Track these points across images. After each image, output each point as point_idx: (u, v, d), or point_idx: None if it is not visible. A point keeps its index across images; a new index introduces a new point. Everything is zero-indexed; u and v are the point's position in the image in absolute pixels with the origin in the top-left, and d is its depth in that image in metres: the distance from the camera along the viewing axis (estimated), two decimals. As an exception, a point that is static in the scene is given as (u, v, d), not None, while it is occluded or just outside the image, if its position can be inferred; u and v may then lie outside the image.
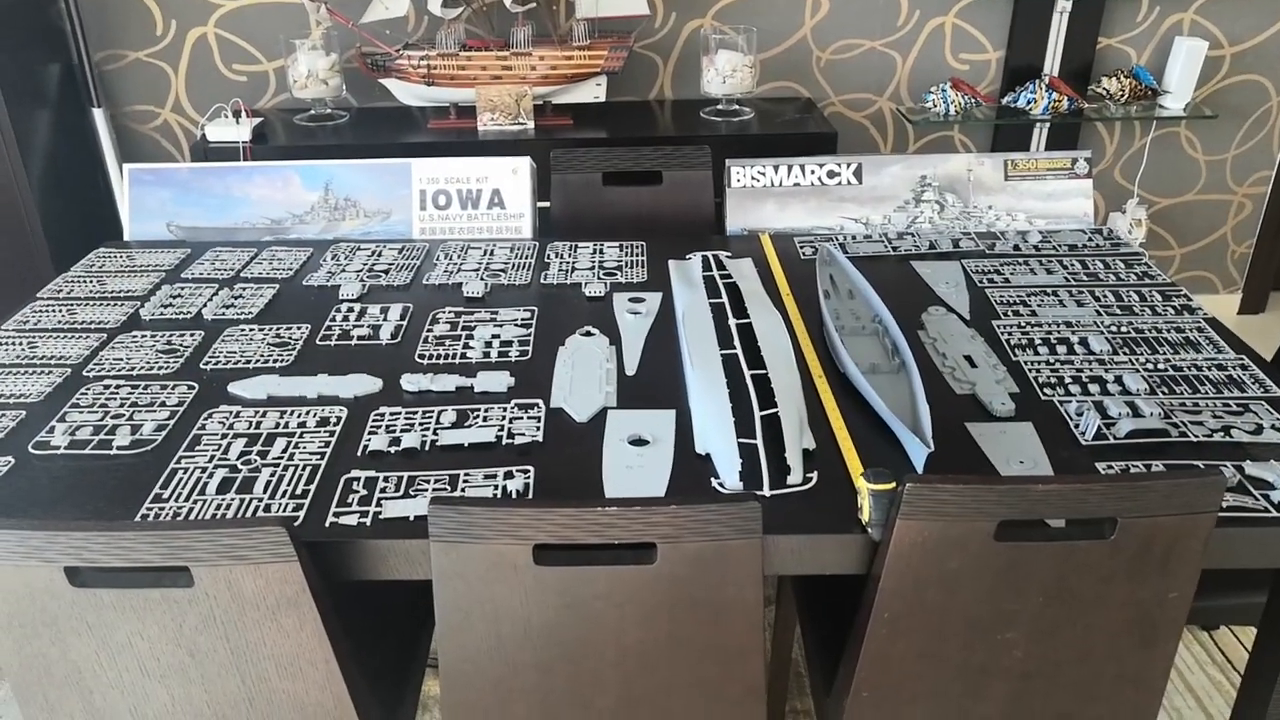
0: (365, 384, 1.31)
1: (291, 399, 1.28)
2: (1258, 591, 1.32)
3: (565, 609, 0.98)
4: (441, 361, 1.38)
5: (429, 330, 1.47)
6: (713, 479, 1.11)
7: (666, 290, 1.58)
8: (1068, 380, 1.28)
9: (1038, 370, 1.31)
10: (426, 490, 1.10)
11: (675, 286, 1.57)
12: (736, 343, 1.35)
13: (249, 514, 1.06)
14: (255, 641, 0.98)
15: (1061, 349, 1.36)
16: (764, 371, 1.27)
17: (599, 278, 1.63)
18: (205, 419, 1.24)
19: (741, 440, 1.14)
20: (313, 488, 1.10)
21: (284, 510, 1.07)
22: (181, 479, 1.12)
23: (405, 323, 1.49)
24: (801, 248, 1.75)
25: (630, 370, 1.34)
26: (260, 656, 0.99)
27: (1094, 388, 1.27)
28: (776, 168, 1.86)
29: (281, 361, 1.38)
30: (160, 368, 1.37)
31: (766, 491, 1.08)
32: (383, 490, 1.10)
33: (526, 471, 1.13)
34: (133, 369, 1.36)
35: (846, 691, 1.09)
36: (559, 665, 1.02)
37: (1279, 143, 2.87)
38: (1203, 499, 0.94)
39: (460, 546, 0.94)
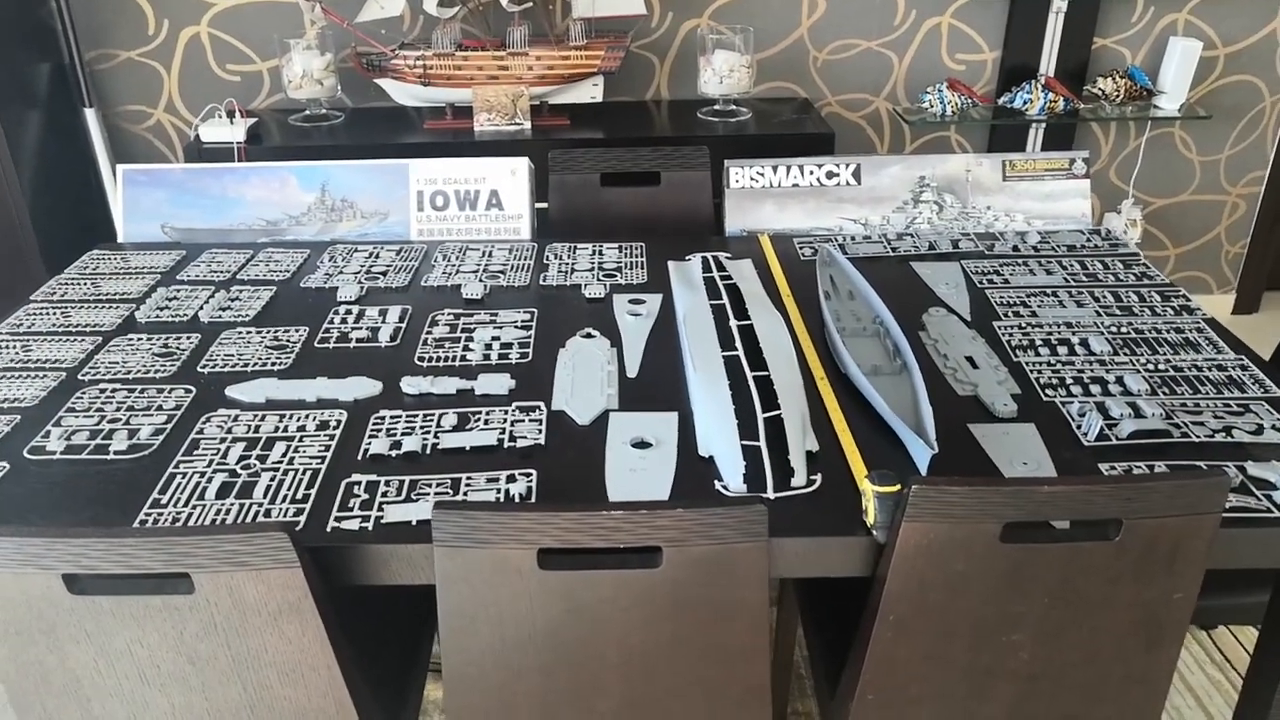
0: (365, 387, 1.31)
1: (290, 402, 1.27)
2: (1256, 591, 1.32)
3: (569, 613, 0.97)
4: (441, 364, 1.37)
5: (428, 332, 1.46)
6: (716, 481, 1.10)
7: (666, 292, 1.58)
8: (1069, 381, 1.28)
9: (1039, 371, 1.31)
10: (428, 494, 1.09)
11: (675, 288, 1.56)
12: (738, 344, 1.34)
13: (249, 519, 1.05)
14: (256, 648, 0.97)
15: (1062, 350, 1.36)
16: (766, 373, 1.27)
17: (598, 279, 1.63)
18: (203, 423, 1.23)
19: (745, 442, 1.14)
20: (313, 492, 1.09)
21: (284, 515, 1.06)
22: (180, 484, 1.11)
23: (404, 325, 1.48)
24: (801, 249, 1.74)
25: (631, 372, 1.34)
26: (262, 663, 0.98)
27: (1095, 388, 1.26)
28: (775, 168, 1.86)
29: (280, 364, 1.37)
30: (157, 371, 1.36)
31: (770, 494, 1.08)
32: (384, 494, 1.09)
33: (529, 475, 1.12)
34: (129, 372, 1.35)
35: (851, 694, 1.09)
36: (562, 669, 1.02)
37: (1272, 143, 2.88)
38: (1207, 500, 0.94)
39: (464, 551, 0.94)
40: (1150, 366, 1.31)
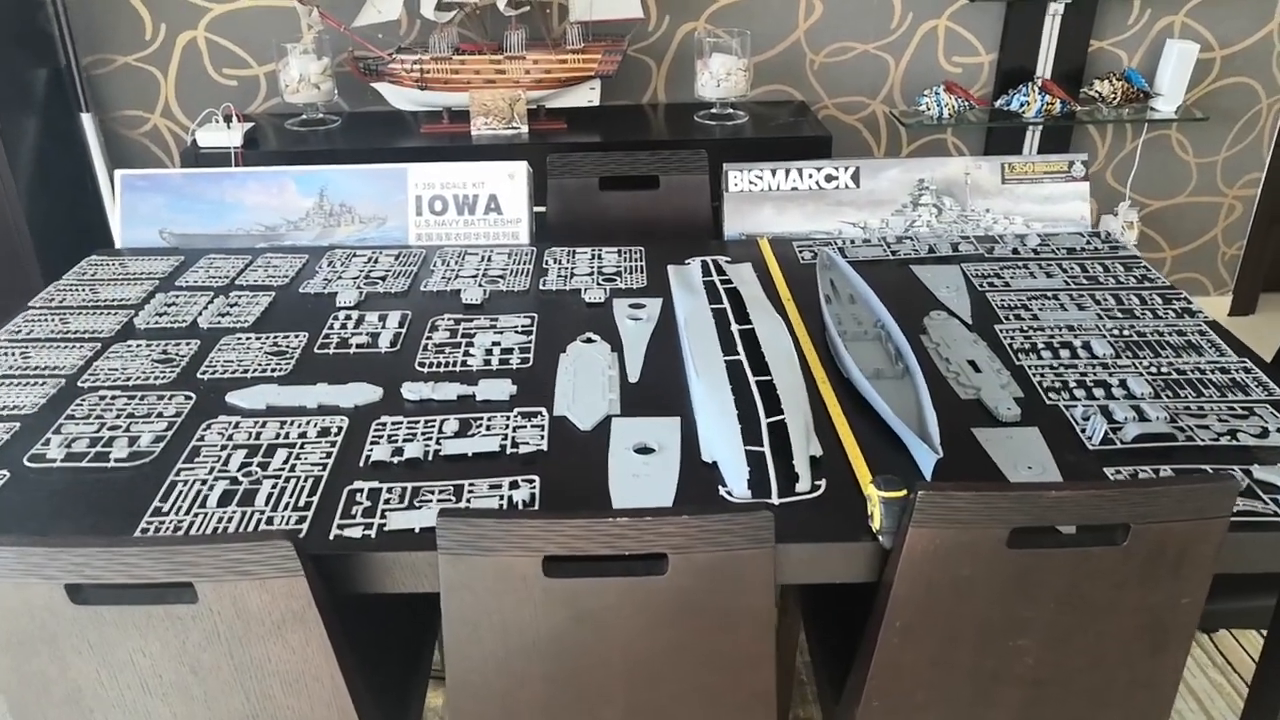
0: (366, 393, 1.30)
1: (291, 409, 1.27)
2: (1258, 595, 1.32)
3: (574, 621, 0.97)
4: (442, 370, 1.36)
5: (428, 338, 1.45)
6: (720, 487, 1.10)
7: (666, 296, 1.57)
8: (1072, 384, 1.28)
9: (1042, 375, 1.31)
10: (431, 501, 1.08)
11: (675, 292, 1.56)
12: (740, 349, 1.34)
13: (251, 527, 1.04)
14: (260, 658, 0.97)
15: (1065, 353, 1.36)
16: (768, 378, 1.26)
17: (598, 283, 1.62)
18: (204, 430, 1.22)
19: (748, 448, 1.13)
20: (315, 499, 1.09)
21: (287, 523, 1.05)
22: (182, 491, 1.10)
23: (404, 330, 1.48)
24: (800, 252, 1.74)
25: (633, 377, 1.33)
26: (265, 673, 0.97)
27: (1098, 392, 1.26)
28: (774, 172, 1.86)
29: (280, 370, 1.36)
30: (156, 378, 1.35)
31: (775, 500, 1.07)
32: (387, 501, 1.08)
33: (532, 481, 1.11)
34: (128, 379, 1.34)
35: (857, 700, 1.09)
36: (567, 677, 1.01)
37: (1269, 145, 2.89)
38: (1216, 504, 0.94)
39: (469, 559, 0.93)
40: (1153, 370, 1.31)
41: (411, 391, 1.29)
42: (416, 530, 1.03)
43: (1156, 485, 0.94)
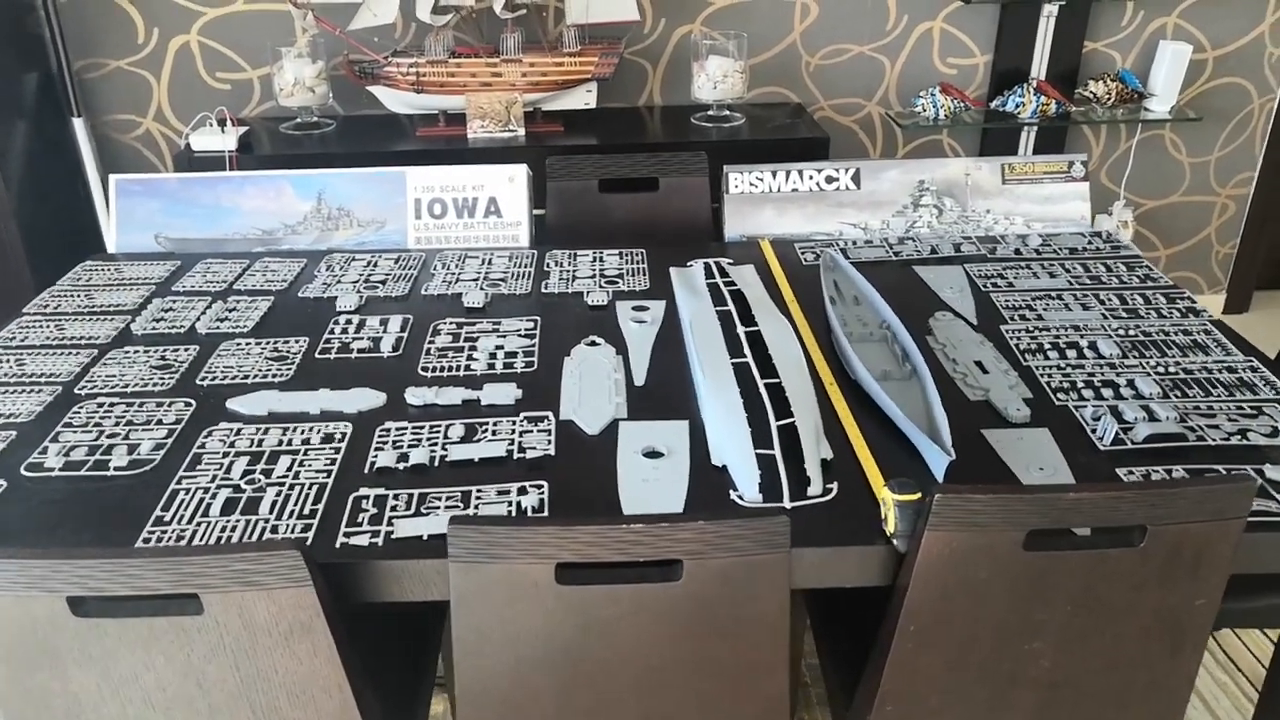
0: (369, 398, 1.28)
1: (293, 415, 1.25)
2: (1262, 595, 1.31)
3: (587, 628, 0.96)
4: (445, 374, 1.35)
5: (430, 342, 1.44)
6: (731, 491, 1.09)
7: (669, 298, 1.56)
8: (1080, 385, 1.28)
9: (1049, 375, 1.30)
10: (439, 508, 1.07)
11: (679, 294, 1.55)
12: (746, 351, 1.33)
13: (256, 536, 1.03)
14: (266, 670, 0.95)
15: (1071, 353, 1.35)
16: (777, 380, 1.25)
17: (600, 286, 1.61)
18: (205, 437, 1.20)
19: (758, 451, 1.12)
20: (320, 507, 1.07)
21: (292, 531, 1.03)
22: (184, 500, 1.09)
23: (406, 334, 1.46)
24: (803, 253, 1.73)
25: (638, 380, 1.32)
26: (272, 685, 0.96)
27: (1107, 392, 1.26)
28: (774, 173, 1.85)
29: (281, 376, 1.35)
30: (155, 384, 1.33)
31: (787, 503, 1.06)
32: (393, 508, 1.07)
33: (540, 487, 1.10)
34: (126, 386, 1.32)
35: (870, 705, 1.07)
36: (578, 685, 1.00)
37: (1261, 144, 2.90)
38: (1233, 504, 0.93)
39: (480, 567, 0.92)
40: (1160, 369, 1.31)
41: (415, 397, 1.28)
42: (424, 538, 1.02)
43: (1174, 486, 0.93)
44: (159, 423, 1.24)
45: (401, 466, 1.14)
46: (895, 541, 0.99)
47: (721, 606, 0.95)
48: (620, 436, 1.19)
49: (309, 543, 1.01)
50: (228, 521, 1.05)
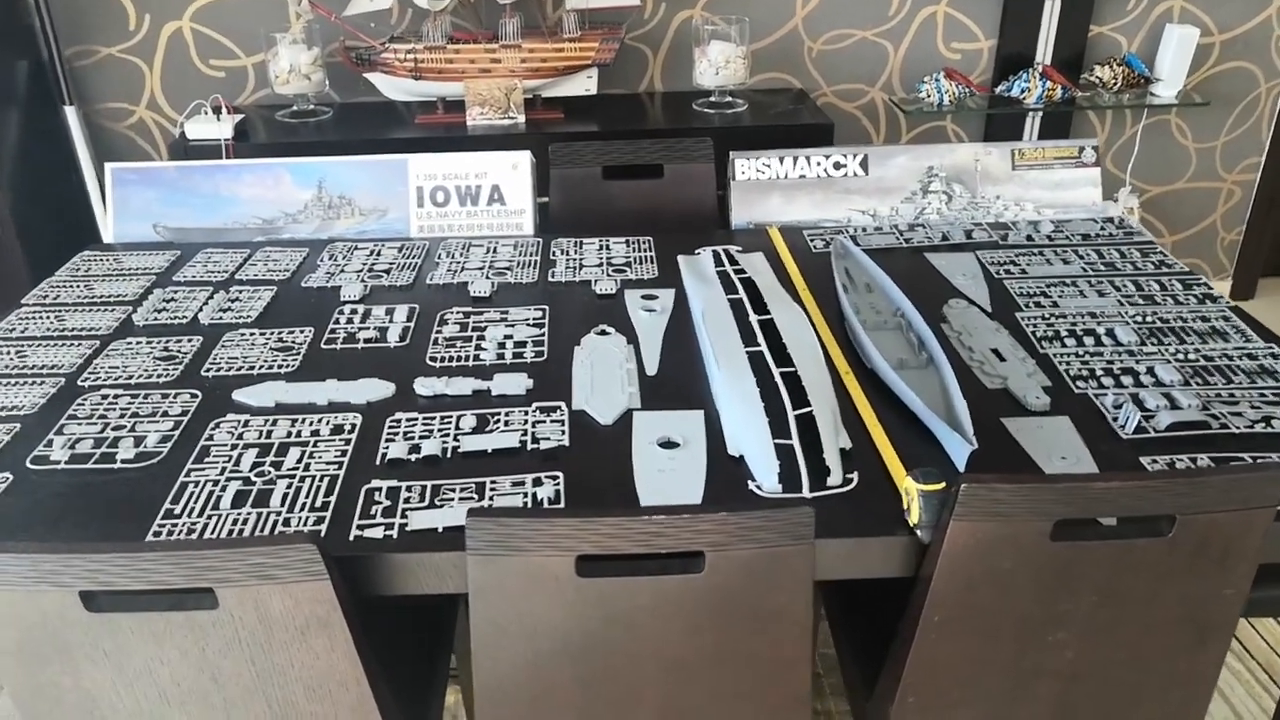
0: (378, 389, 1.26)
1: (301, 406, 1.23)
2: (1272, 584, 1.29)
3: (607, 621, 0.94)
4: (455, 364, 1.33)
5: (438, 331, 1.42)
6: (749, 482, 1.07)
7: (679, 287, 1.54)
8: (1099, 372, 1.26)
9: (1067, 363, 1.29)
10: (453, 500, 1.05)
11: (688, 283, 1.53)
12: (760, 340, 1.31)
13: (268, 529, 1.01)
14: (283, 664, 0.93)
15: (1089, 340, 1.34)
16: (793, 369, 1.24)
17: (608, 274, 1.59)
18: (212, 429, 1.18)
19: (776, 441, 1.11)
20: (333, 499, 1.05)
21: (304, 524, 1.02)
22: (193, 493, 1.06)
23: (412, 324, 1.44)
24: (812, 240, 1.71)
25: (650, 370, 1.30)
26: (288, 679, 0.94)
27: (1127, 379, 1.24)
28: (781, 160, 1.83)
29: (287, 367, 1.33)
30: (160, 375, 1.31)
31: (807, 493, 1.05)
32: (406, 500, 1.05)
33: (555, 478, 1.08)
34: (130, 377, 1.30)
35: (891, 696, 1.06)
36: (598, 680, 0.98)
37: (1268, 129, 2.89)
38: (1263, 493, 0.92)
39: (499, 559, 0.90)
40: (1180, 356, 1.29)
41: (425, 387, 1.26)
42: (440, 530, 1.00)
43: (1203, 475, 0.92)
44: (165, 414, 1.21)
45: (413, 458, 1.12)
46: (919, 532, 0.98)
47: (744, 599, 0.94)
48: (635, 426, 1.17)
49: (322, 536, 1.00)
50: (239, 514, 1.03)
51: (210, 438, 1.16)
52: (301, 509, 1.04)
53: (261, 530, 1.01)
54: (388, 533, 1.00)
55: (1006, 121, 2.78)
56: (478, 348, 1.37)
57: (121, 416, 1.21)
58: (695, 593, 0.93)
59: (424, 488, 1.07)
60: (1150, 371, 1.26)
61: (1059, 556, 0.94)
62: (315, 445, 1.15)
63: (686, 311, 1.46)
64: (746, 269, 1.56)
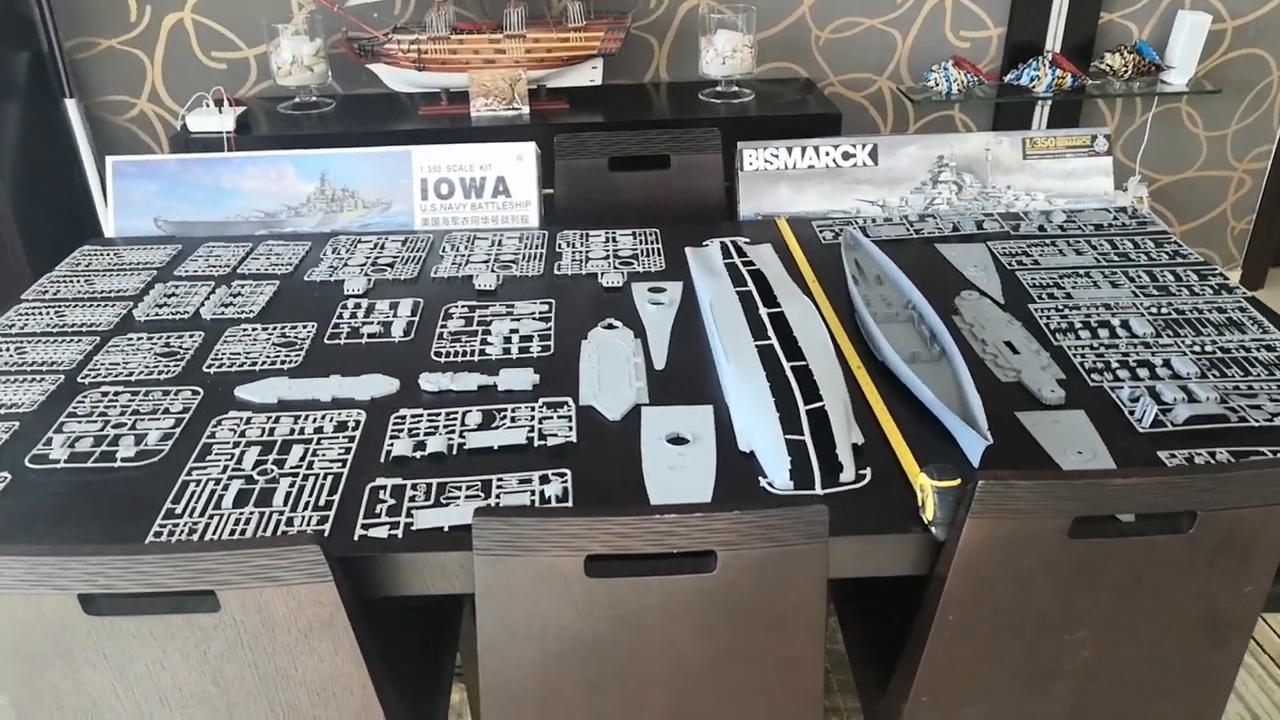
0: (382, 385, 1.25)
1: (304, 403, 1.21)
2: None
3: (617, 622, 0.92)
4: (460, 359, 1.31)
5: (443, 326, 1.40)
6: (761, 478, 1.05)
7: (686, 279, 1.52)
8: (1115, 365, 1.24)
9: (1082, 355, 1.26)
10: (459, 498, 1.03)
11: (696, 275, 1.51)
12: (770, 333, 1.29)
13: (271, 528, 0.99)
14: (286, 667, 0.91)
15: (1104, 332, 1.32)
16: (804, 363, 1.22)
17: (615, 267, 1.57)
18: (214, 426, 1.17)
19: (787, 436, 1.09)
20: (337, 498, 1.04)
21: (308, 523, 1.00)
22: (194, 492, 1.05)
23: (417, 318, 1.42)
24: (821, 232, 1.69)
25: (659, 364, 1.28)
26: (291, 683, 0.92)
27: (1143, 372, 1.22)
28: (790, 150, 1.81)
29: (290, 362, 1.31)
30: (160, 372, 1.29)
31: (819, 490, 1.03)
32: (412, 499, 1.03)
33: (563, 475, 1.06)
34: (131, 374, 1.29)
35: (905, 695, 1.05)
36: (608, 681, 0.97)
37: (1279, 118, 2.85)
38: (1286, 489, 0.90)
39: (507, 559, 0.88)
40: (1196, 348, 1.27)
41: (430, 382, 1.24)
42: (446, 529, 0.98)
43: (1226, 470, 0.90)
44: (166, 412, 1.20)
45: (419, 455, 1.10)
46: (934, 529, 0.96)
47: (756, 598, 0.92)
48: (643, 422, 1.15)
49: (326, 535, 0.98)
50: (241, 514, 1.01)
51: (212, 435, 1.15)
52: (305, 508, 1.02)
53: (264, 529, 0.99)
54: (393, 532, 0.99)
55: (1016, 110, 2.75)
56: (483, 342, 1.35)
57: (122, 414, 1.20)
58: (707, 592, 0.91)
59: (430, 486, 1.05)
60: (1167, 364, 1.23)
61: (1077, 554, 0.93)
62: (319, 443, 1.13)
63: (695, 304, 1.44)
64: (755, 261, 1.54)
